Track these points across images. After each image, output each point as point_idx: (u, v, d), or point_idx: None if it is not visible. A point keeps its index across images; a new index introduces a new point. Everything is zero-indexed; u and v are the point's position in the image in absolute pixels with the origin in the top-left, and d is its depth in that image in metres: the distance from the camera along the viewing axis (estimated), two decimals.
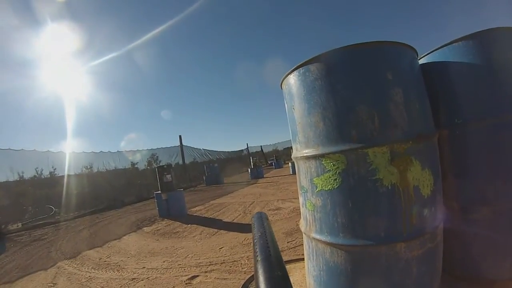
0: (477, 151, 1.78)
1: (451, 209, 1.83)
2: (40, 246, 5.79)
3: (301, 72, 1.68)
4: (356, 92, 1.52)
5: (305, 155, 1.67)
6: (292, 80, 1.75)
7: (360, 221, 1.49)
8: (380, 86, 1.52)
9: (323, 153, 1.56)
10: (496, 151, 1.74)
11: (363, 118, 1.48)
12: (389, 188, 1.45)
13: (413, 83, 1.64)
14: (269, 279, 0.77)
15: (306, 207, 1.75)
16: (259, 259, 0.89)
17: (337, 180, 1.52)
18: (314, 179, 1.63)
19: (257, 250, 0.98)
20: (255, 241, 1.10)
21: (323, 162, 1.57)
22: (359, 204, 1.49)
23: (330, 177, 1.55)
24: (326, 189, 1.57)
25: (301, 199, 1.83)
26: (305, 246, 1.86)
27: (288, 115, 1.90)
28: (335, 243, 1.56)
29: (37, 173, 14.98)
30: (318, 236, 1.65)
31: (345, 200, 1.51)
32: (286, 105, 1.91)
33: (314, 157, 1.61)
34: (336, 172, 1.52)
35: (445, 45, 1.87)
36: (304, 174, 1.73)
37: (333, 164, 1.53)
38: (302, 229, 1.84)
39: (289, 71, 1.76)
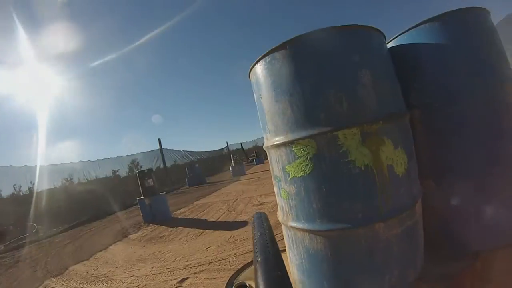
0: (447, 129, 1.80)
1: (428, 187, 1.85)
2: (25, 266, 5.64)
3: (267, 60, 1.66)
4: (323, 76, 1.50)
5: (275, 143, 1.65)
6: (259, 69, 1.73)
7: (335, 205, 1.49)
8: (347, 69, 1.51)
9: (292, 139, 1.54)
10: (465, 127, 1.77)
11: (331, 101, 1.47)
12: (362, 169, 1.45)
13: (382, 65, 1.64)
14: (269, 280, 0.77)
15: (281, 196, 1.74)
16: (259, 259, 0.89)
17: (309, 166, 1.50)
18: (286, 167, 1.61)
19: (257, 250, 0.97)
20: (255, 241, 1.10)
21: (293, 149, 1.55)
22: (333, 188, 1.48)
23: (301, 163, 1.53)
24: (299, 175, 1.55)
25: (275, 189, 1.82)
26: (285, 236, 1.86)
27: (257, 105, 1.88)
28: (313, 230, 1.55)
29: (16, 190, 14.61)
30: (295, 224, 1.64)
31: (318, 185, 1.49)
32: (254, 95, 1.89)
33: (284, 144, 1.59)
34: (307, 157, 1.50)
35: (412, 27, 1.87)
36: (276, 162, 1.71)
37: (303, 150, 1.51)
38: (280, 219, 1.82)
39: (255, 61, 1.74)
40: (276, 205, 5.48)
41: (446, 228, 1.90)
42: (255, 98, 1.89)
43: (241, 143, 40.98)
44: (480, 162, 1.77)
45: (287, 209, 1.70)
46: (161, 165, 21.85)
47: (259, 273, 0.80)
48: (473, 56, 1.77)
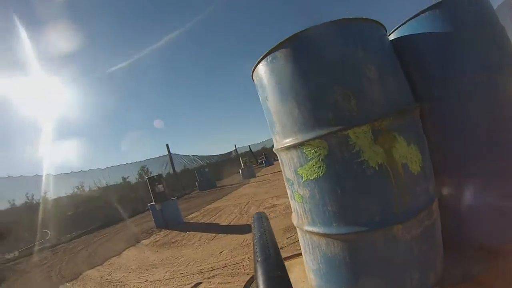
0: (459, 121, 1.75)
1: (443, 184, 1.80)
2: (40, 272, 5.71)
3: (268, 60, 1.62)
4: (328, 73, 1.46)
5: (285, 145, 1.61)
6: (261, 70, 1.69)
7: (351, 207, 1.44)
8: (352, 64, 1.46)
9: (302, 141, 1.49)
10: (476, 117, 1.71)
11: (338, 99, 1.42)
12: (377, 168, 1.40)
13: (386, 59, 1.59)
14: (269, 280, 0.75)
15: (295, 200, 1.69)
16: (259, 259, 0.87)
17: (322, 168, 1.46)
18: (298, 170, 1.56)
19: (257, 250, 0.96)
20: (255, 241, 1.08)
21: (304, 151, 1.50)
22: (347, 189, 1.43)
23: (313, 165, 1.48)
24: (312, 178, 1.50)
25: (289, 192, 1.77)
26: (300, 240, 1.82)
27: (263, 107, 1.84)
28: (329, 234, 1.50)
29: (28, 199, 14.78)
30: (311, 228, 1.59)
31: (333, 188, 1.45)
32: (260, 97, 1.85)
33: (294, 146, 1.55)
34: (319, 159, 1.46)
35: (412, 17, 1.83)
36: (288, 165, 1.66)
37: (314, 151, 1.46)
38: (295, 222, 1.78)
39: (257, 62, 1.70)
40: (288, 207, 5.48)
41: (463, 227, 1.83)
42: (260, 100, 1.85)
43: (249, 146, 41.03)
44: (495, 156, 1.70)
45: (302, 213, 1.66)
46: (171, 171, 21.88)
47: (259, 273, 0.79)
48: (477, 43, 1.71)
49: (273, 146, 1.85)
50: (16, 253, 8.85)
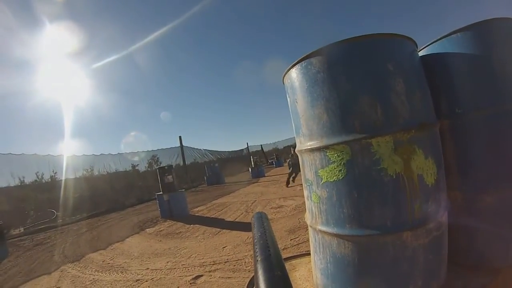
0: (478, 140, 1.79)
1: (455, 199, 1.83)
2: (43, 250, 5.82)
3: (303, 65, 1.69)
4: (358, 83, 1.52)
5: (309, 147, 1.68)
6: (294, 74, 1.76)
7: (366, 211, 1.50)
8: (382, 76, 1.53)
9: (327, 144, 1.56)
10: (497, 139, 1.75)
11: (366, 109, 1.49)
12: (394, 177, 1.46)
13: (414, 74, 1.65)
14: (269, 279, 0.77)
15: (311, 200, 1.75)
16: (259, 259, 0.89)
17: (342, 171, 1.52)
18: (319, 171, 1.63)
19: (257, 250, 0.98)
20: (255, 241, 1.10)
21: (327, 154, 1.57)
22: (364, 194, 1.49)
23: (335, 168, 1.55)
24: (331, 180, 1.57)
25: (306, 192, 1.83)
26: (311, 239, 1.86)
27: (290, 109, 1.91)
28: (342, 234, 1.56)
29: (38, 178, 14.90)
30: (324, 228, 1.65)
31: (350, 191, 1.51)
32: (288, 99, 1.91)
33: (318, 149, 1.62)
34: (341, 163, 1.52)
35: (444, 37, 1.88)
36: (309, 166, 1.73)
37: (337, 155, 1.53)
38: (308, 222, 1.84)
39: (291, 65, 1.77)
40: (294, 209, 5.50)
41: (470, 242, 1.87)
42: (289, 102, 1.92)
43: (261, 145, 40.51)
44: (509, 177, 1.73)
45: (316, 213, 1.72)
46: (181, 163, 21.79)
47: (259, 273, 0.81)
48: (505, 67, 1.75)
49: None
50: (21, 229, 8.98)
